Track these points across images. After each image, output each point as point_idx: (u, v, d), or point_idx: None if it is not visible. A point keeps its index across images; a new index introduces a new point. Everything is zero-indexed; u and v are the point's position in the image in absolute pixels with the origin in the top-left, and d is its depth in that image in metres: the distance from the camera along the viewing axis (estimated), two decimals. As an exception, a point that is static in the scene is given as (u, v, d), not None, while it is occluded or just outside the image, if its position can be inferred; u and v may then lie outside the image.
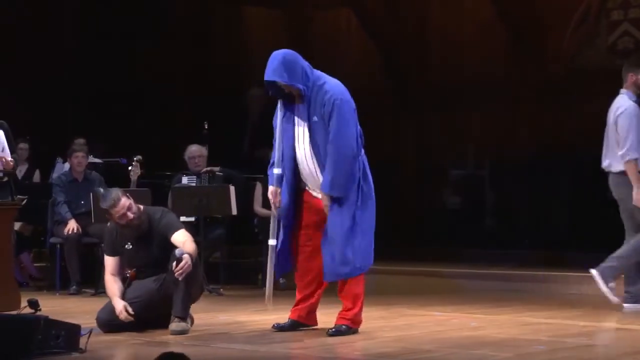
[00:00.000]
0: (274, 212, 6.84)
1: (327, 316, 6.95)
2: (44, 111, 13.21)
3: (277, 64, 6.65)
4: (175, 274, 6.65)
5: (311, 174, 6.75)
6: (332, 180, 6.57)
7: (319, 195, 6.73)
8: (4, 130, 9.10)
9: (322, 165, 6.66)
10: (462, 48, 13.82)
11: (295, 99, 6.76)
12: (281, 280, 10.12)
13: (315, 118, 6.66)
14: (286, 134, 6.80)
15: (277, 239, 6.80)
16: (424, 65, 14.18)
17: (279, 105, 6.88)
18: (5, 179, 9.03)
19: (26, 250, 11.02)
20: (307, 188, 6.82)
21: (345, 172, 6.60)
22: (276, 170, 6.80)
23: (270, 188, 6.84)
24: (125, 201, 6.91)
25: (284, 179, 6.81)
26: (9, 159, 8.89)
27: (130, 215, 6.91)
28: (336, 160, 6.57)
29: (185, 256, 6.66)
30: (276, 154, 6.84)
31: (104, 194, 7.02)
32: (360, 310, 6.80)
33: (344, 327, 6.73)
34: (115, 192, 6.98)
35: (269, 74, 6.68)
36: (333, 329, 6.73)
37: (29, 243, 11.07)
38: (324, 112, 6.62)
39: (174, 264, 6.64)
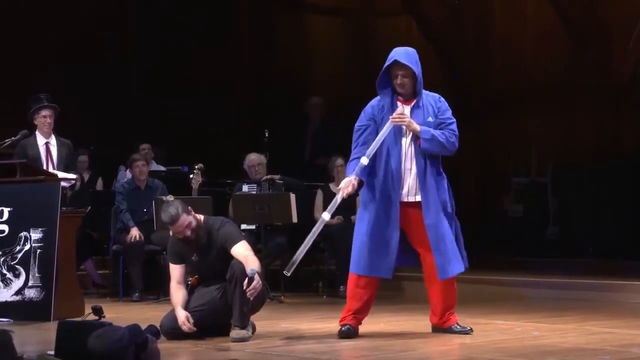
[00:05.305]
0: (342, 195, 6.78)
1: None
2: (107, 119, 13.36)
3: (409, 54, 6.84)
4: (248, 293, 6.66)
5: (408, 173, 6.83)
6: (433, 137, 6.77)
7: (412, 199, 6.84)
8: (68, 149, 9.35)
9: (420, 168, 6.80)
10: (525, 55, 13.75)
11: (401, 100, 6.88)
12: (342, 288, 10.13)
13: (430, 119, 6.84)
14: (392, 130, 6.83)
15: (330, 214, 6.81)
16: (486, 72, 14.13)
17: (378, 102, 6.91)
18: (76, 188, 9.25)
19: (89, 258, 11.13)
20: (401, 196, 6.86)
21: (442, 149, 6.85)
22: (364, 160, 6.76)
23: (351, 177, 6.78)
24: (184, 219, 6.84)
25: (380, 186, 6.85)
26: (74, 177, 9.16)
27: (188, 232, 6.90)
28: (445, 140, 6.83)
29: (257, 276, 6.67)
30: (370, 148, 6.78)
31: (165, 208, 6.92)
32: None
33: (458, 326, 7.05)
34: (176, 207, 6.85)
35: (403, 57, 6.79)
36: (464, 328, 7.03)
37: (92, 250, 11.18)
38: (438, 110, 6.88)
39: (246, 282, 6.65)
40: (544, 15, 13.46)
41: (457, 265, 6.97)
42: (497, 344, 6.72)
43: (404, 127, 6.83)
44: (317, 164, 12.11)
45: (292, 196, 9.77)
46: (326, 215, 6.76)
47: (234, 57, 14.87)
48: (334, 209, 6.79)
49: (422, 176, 6.83)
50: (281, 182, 10.65)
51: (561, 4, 13.19)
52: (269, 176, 10.67)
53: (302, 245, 6.70)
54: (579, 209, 12.90)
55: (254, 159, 10.71)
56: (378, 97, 6.95)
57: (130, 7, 14.60)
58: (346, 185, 6.79)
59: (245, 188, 10.64)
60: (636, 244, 11.88)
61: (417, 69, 6.80)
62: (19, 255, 8.29)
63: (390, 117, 6.78)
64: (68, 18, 13.49)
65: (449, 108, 6.96)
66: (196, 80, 14.50)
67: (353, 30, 15.24)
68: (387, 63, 6.83)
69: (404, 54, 6.83)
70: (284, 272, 6.75)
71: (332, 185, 10.67)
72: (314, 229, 6.76)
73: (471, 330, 7.04)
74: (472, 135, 14.02)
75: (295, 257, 6.66)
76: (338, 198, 6.80)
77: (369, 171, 6.86)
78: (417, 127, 6.78)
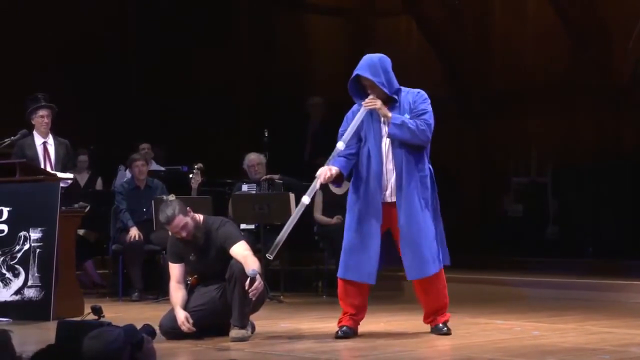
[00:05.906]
0: (320, 180, 6.84)
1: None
2: (107, 119, 13.36)
3: (373, 63, 6.79)
4: (250, 294, 6.66)
5: (391, 174, 6.82)
6: (403, 123, 6.71)
7: (389, 200, 6.80)
8: (66, 149, 9.36)
9: (398, 168, 6.78)
10: (525, 55, 13.75)
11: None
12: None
13: (406, 115, 6.81)
14: (372, 131, 6.85)
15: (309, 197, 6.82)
16: (486, 72, 14.12)
17: (359, 107, 6.89)
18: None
19: (89, 258, 11.12)
20: (384, 198, 6.85)
21: (412, 137, 6.74)
22: (340, 145, 6.79)
23: (330, 167, 6.83)
24: (179, 220, 6.84)
25: (363, 188, 6.87)
26: (71, 176, 9.16)
27: (183, 233, 6.90)
28: (415, 128, 6.72)
29: (258, 277, 6.66)
30: (346, 133, 6.81)
31: (163, 208, 6.92)
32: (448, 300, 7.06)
33: (445, 328, 6.96)
34: (173, 207, 6.85)
35: (365, 70, 6.78)
36: (442, 328, 6.92)
37: (92, 250, 11.17)
38: (415, 106, 6.82)
39: (247, 283, 6.64)
40: (544, 15, 13.45)
41: (431, 266, 6.82)
42: (497, 344, 6.72)
43: (382, 129, 6.82)
44: (317, 164, 12.06)
45: (292, 196, 9.76)
46: (306, 199, 6.76)
47: (234, 57, 14.86)
48: (313, 193, 6.84)
49: (399, 176, 6.80)
50: (281, 181, 10.64)
51: (561, 4, 13.18)
52: (268, 176, 10.66)
53: (284, 229, 6.74)
54: (579, 209, 12.88)
55: (253, 159, 10.71)
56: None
57: (130, 7, 14.61)
58: (323, 172, 6.82)
59: (244, 188, 10.64)
60: (636, 244, 11.87)
61: (380, 79, 6.76)
62: (19, 255, 8.29)
63: (363, 102, 6.80)
64: (68, 18, 13.50)
65: (425, 101, 6.88)
66: (196, 80, 14.50)
67: (353, 30, 15.24)
68: (352, 75, 6.85)
69: (367, 66, 6.80)
70: (267, 255, 6.78)
71: (332, 185, 10.64)
72: (295, 211, 6.82)
73: (449, 331, 6.96)
74: (472, 135, 14.04)
75: (277, 240, 6.68)
76: (317, 184, 6.84)
77: (354, 178, 6.90)
78: (389, 113, 6.78)
